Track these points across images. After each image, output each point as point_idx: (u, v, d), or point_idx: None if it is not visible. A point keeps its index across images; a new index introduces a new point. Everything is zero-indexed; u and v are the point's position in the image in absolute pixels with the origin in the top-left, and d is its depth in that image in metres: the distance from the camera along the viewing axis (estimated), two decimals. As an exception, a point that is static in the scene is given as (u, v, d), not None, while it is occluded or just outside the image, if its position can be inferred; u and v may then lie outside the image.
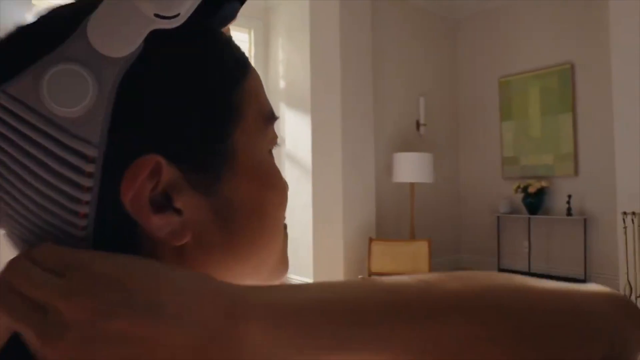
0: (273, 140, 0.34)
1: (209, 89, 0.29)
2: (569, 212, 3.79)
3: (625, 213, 2.80)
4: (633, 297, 2.72)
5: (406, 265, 2.96)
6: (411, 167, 3.77)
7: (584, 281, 3.71)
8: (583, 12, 3.83)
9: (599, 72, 3.64)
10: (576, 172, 3.85)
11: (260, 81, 0.33)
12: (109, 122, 0.25)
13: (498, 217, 4.49)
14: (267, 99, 0.33)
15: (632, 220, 2.75)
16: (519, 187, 4.16)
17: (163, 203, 0.27)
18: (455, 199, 5.00)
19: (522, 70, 4.33)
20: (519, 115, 4.38)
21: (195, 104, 0.28)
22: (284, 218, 0.35)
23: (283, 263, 0.36)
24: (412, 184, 3.91)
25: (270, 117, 0.33)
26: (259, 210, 0.32)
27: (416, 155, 3.80)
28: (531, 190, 4.03)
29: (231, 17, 0.32)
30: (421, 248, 2.99)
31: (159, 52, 0.27)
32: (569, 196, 3.80)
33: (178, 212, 0.28)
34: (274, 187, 0.33)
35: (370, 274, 3.03)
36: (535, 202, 4.04)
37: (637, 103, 2.84)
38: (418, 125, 4.66)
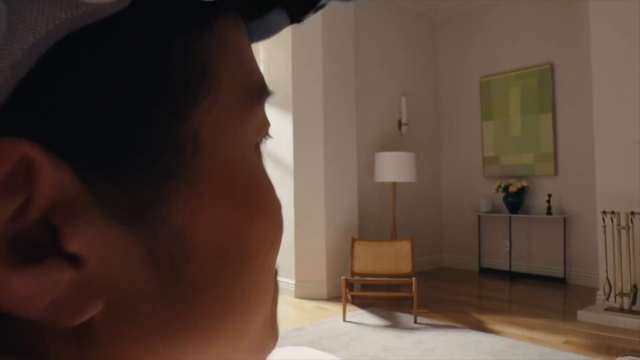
0: (262, 128, 0.21)
1: (153, 24, 0.16)
2: (549, 211, 3.83)
3: (604, 212, 2.83)
4: (612, 295, 2.76)
5: (389, 265, 2.94)
6: (393, 167, 3.74)
7: (564, 279, 3.75)
8: (562, 13, 3.88)
9: (579, 72, 3.69)
10: (556, 171, 3.89)
11: (247, 38, 0.21)
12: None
13: (479, 216, 4.51)
14: (257, 66, 0.21)
15: (612, 219, 2.78)
16: (500, 186, 4.18)
17: (39, 245, 0.14)
18: (436, 199, 5.00)
19: (502, 71, 4.36)
20: (499, 115, 4.40)
21: (126, 50, 0.15)
22: (275, 261, 0.22)
23: (271, 332, 0.22)
24: (394, 184, 3.89)
25: (261, 91, 0.20)
26: (237, 251, 0.19)
27: (398, 154, 3.77)
28: (512, 189, 4.06)
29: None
30: (404, 248, 2.97)
31: None
32: (549, 195, 3.84)
33: (73, 261, 0.14)
34: (262, 210, 0.20)
35: (353, 274, 2.99)
36: (515, 201, 4.06)
37: (617, 103, 2.88)
38: (400, 124, 4.65)
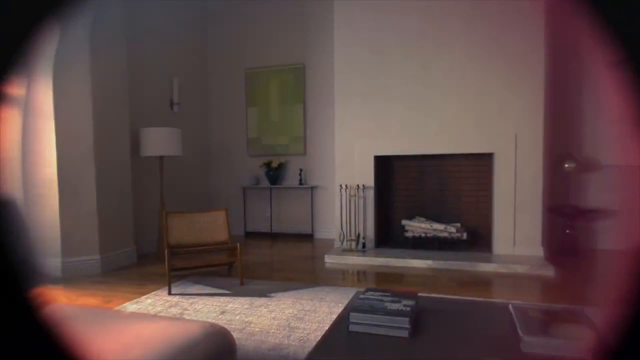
0: None
1: None
2: (300, 183, 4.91)
3: (341, 185, 4.00)
4: (345, 241, 3.99)
5: (206, 235, 3.18)
6: (159, 142, 3.97)
7: (311, 235, 4.98)
8: (313, 21, 4.88)
9: (324, 72, 4.84)
10: (305, 151, 4.99)
11: None
12: None
13: (244, 188, 5.25)
14: None
15: (345, 190, 3.99)
16: (264, 163, 4.98)
17: None
18: (206, 172, 5.42)
19: (264, 65, 5.09)
20: (261, 103, 5.15)
21: None
22: None
23: None
24: (161, 158, 4.13)
25: None
26: None
27: (164, 130, 4.02)
28: (274, 165, 4.93)
29: None
30: (219, 217, 3.25)
31: None
32: (301, 170, 4.92)
33: None
34: None
35: (169, 246, 3.07)
36: (275, 175, 4.97)
37: (353, 98, 4.03)
38: (172, 103, 4.75)
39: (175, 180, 4.86)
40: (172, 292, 2.89)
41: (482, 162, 3.95)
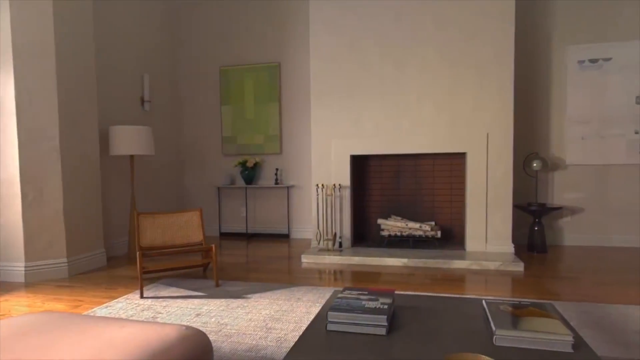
0: None
1: None
2: (276, 182, 4.88)
3: (317, 185, 4.00)
4: (322, 241, 3.99)
5: (180, 236, 3.10)
6: (130, 140, 3.86)
7: (288, 235, 4.95)
8: (289, 19, 4.86)
9: (300, 70, 4.83)
10: (281, 150, 4.96)
11: None
12: None
13: (219, 188, 5.17)
14: None
15: (322, 189, 3.98)
16: (239, 162, 4.92)
17: None
18: (179, 172, 5.31)
19: (239, 63, 5.03)
20: (236, 101, 5.09)
21: None
22: None
23: None
24: (132, 156, 4.03)
25: None
26: None
27: (134, 128, 3.90)
28: (249, 164, 4.88)
29: None
30: (193, 217, 3.18)
31: None
32: (277, 169, 4.89)
33: None
34: None
35: (141, 249, 2.98)
36: (251, 174, 4.92)
37: (329, 97, 4.03)
38: (143, 101, 4.63)
39: (146, 180, 4.74)
40: (145, 296, 2.81)
41: (455, 162, 4.04)
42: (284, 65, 4.90)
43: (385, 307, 1.43)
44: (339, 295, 1.55)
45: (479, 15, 3.66)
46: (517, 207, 4.02)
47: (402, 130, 3.86)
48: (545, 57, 4.24)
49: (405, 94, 3.84)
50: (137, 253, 2.79)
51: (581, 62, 4.15)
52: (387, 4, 3.83)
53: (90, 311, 2.55)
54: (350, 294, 1.56)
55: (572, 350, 1.21)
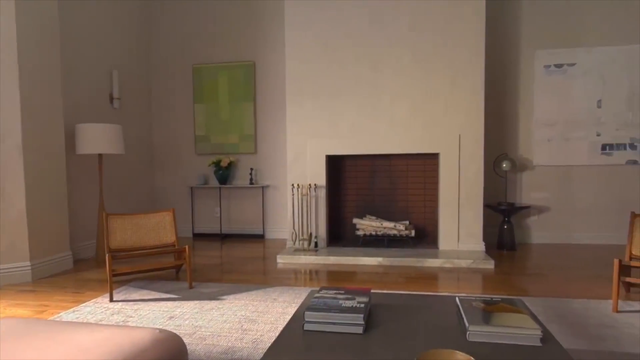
0: None
1: None
2: (251, 182, 4.83)
3: (292, 185, 3.98)
4: (297, 241, 3.98)
5: (151, 237, 3.01)
6: (98, 139, 3.74)
7: (262, 235, 4.91)
8: (264, 18, 4.82)
9: (275, 69, 4.80)
10: (256, 150, 4.91)
11: None
12: None
13: (192, 188, 5.07)
14: None
15: (297, 189, 3.97)
16: (213, 162, 4.84)
17: None
18: (151, 172, 5.18)
19: (213, 61, 4.95)
20: (210, 100, 5.01)
21: None
22: None
23: None
24: (100, 155, 3.91)
25: None
26: None
27: (103, 126, 3.78)
28: (223, 164, 4.81)
29: None
30: (166, 218, 3.09)
31: None
32: (251, 169, 4.84)
33: None
34: None
35: (110, 250, 2.88)
36: (225, 174, 4.85)
37: (305, 97, 4.02)
38: (112, 98, 4.49)
39: (116, 180, 4.60)
40: (114, 299, 2.73)
41: (429, 162, 4.11)
42: (259, 64, 4.86)
43: (362, 305, 1.44)
44: (316, 294, 1.55)
45: (451, 19, 3.74)
46: (487, 206, 4.14)
47: (377, 130, 3.90)
48: (514, 62, 4.38)
49: (381, 95, 3.89)
50: (107, 255, 2.69)
51: (547, 66, 4.32)
52: (362, 6, 3.86)
53: (56, 316, 2.45)
54: (327, 293, 1.57)
55: (540, 344, 1.26)
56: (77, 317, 2.42)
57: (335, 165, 4.28)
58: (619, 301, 2.53)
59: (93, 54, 4.24)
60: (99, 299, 2.73)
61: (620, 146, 4.24)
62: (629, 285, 2.65)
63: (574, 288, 2.87)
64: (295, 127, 4.04)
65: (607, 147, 4.26)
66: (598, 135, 4.27)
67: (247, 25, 4.86)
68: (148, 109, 5.14)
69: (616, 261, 2.37)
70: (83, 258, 4.02)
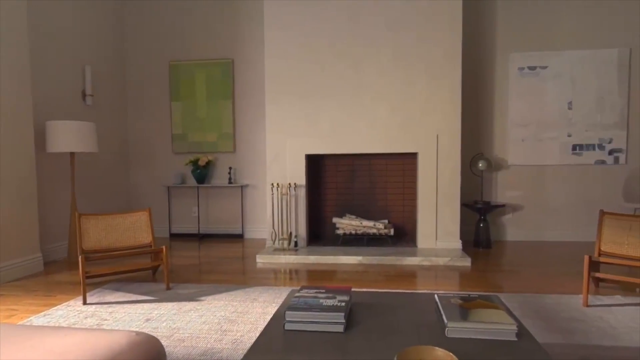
0: None
1: None
2: (230, 181, 4.77)
3: (272, 184, 3.96)
4: (277, 240, 3.96)
5: (126, 237, 2.92)
6: (70, 137, 3.63)
7: (242, 235, 4.87)
8: (243, 15, 4.76)
9: (254, 67, 4.75)
10: (234, 149, 4.86)
11: None
12: None
13: (168, 187, 4.98)
14: None
15: (277, 188, 3.95)
16: (191, 161, 4.76)
17: None
18: (126, 171, 5.05)
19: (190, 58, 4.87)
20: (187, 97, 4.92)
21: None
22: None
23: None
24: (72, 154, 3.79)
25: None
26: None
27: (75, 123, 3.67)
28: (201, 163, 4.74)
29: None
30: (142, 218, 3.01)
31: None
32: (230, 168, 4.78)
33: None
34: None
35: (84, 251, 2.78)
36: (203, 173, 4.78)
37: (285, 96, 4.00)
38: (84, 95, 4.36)
39: (89, 180, 4.46)
40: (88, 302, 2.65)
41: (407, 161, 4.16)
42: (237, 62, 4.80)
43: (343, 304, 1.44)
44: (297, 294, 1.55)
45: (429, 20, 3.79)
46: (464, 205, 4.22)
47: (357, 130, 3.92)
48: (490, 64, 4.48)
49: (360, 95, 3.91)
50: (79, 257, 2.61)
51: (521, 69, 4.44)
52: (341, 5, 3.87)
53: (25, 320, 2.36)
54: (307, 292, 1.56)
55: (516, 339, 1.29)
56: (49, 321, 2.33)
57: (315, 164, 4.28)
58: (589, 296, 2.62)
59: (64, 48, 4.10)
60: (72, 302, 2.65)
61: (590, 146, 4.40)
62: (598, 281, 2.75)
63: (547, 284, 2.96)
64: (275, 126, 4.01)
65: (577, 148, 4.41)
66: (569, 136, 4.42)
67: (226, 22, 4.80)
68: (123, 107, 5.01)
69: (586, 257, 2.45)
70: (54, 260, 3.88)
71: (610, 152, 4.37)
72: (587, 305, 2.46)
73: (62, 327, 1.22)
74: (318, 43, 3.93)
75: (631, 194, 4.23)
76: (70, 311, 2.49)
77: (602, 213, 2.66)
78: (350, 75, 3.91)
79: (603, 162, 4.38)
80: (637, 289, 2.76)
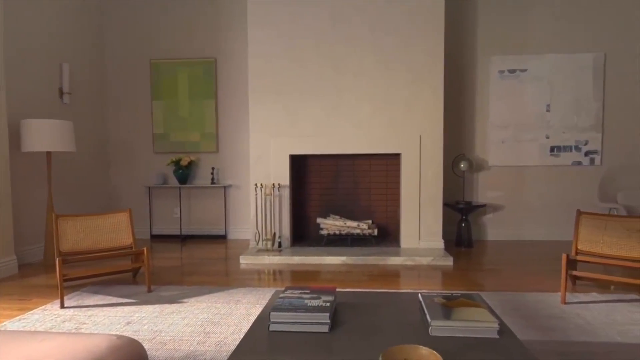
0: None
1: None
2: (213, 182, 4.72)
3: (256, 184, 3.93)
4: (261, 241, 3.93)
5: (106, 239, 2.85)
6: (47, 136, 3.54)
7: (225, 235, 4.82)
8: (226, 14, 4.72)
9: (237, 66, 4.71)
10: (217, 149, 4.81)
11: None
12: None
13: (149, 187, 4.89)
14: None
15: (260, 189, 3.92)
16: (173, 161, 4.69)
17: None
18: (105, 171, 4.94)
19: (172, 57, 4.80)
20: (169, 96, 4.85)
21: None
22: None
23: None
24: (48, 153, 3.70)
25: None
26: None
27: (52, 122, 3.58)
28: (183, 163, 4.67)
29: None
30: (122, 219, 2.94)
31: None
32: (213, 168, 4.73)
33: None
34: None
35: (61, 254, 2.70)
36: (185, 173, 4.71)
37: (268, 96, 3.98)
38: (62, 93, 4.25)
39: (67, 180, 4.35)
40: (66, 305, 2.57)
41: (391, 162, 4.19)
42: (220, 61, 4.76)
43: (328, 304, 1.44)
44: (281, 294, 1.54)
45: (412, 22, 3.83)
46: (446, 205, 4.28)
47: (341, 130, 3.93)
48: (471, 66, 4.56)
49: (344, 95, 3.92)
50: (56, 259, 2.54)
51: (501, 71, 4.53)
52: (325, 6, 3.88)
53: (0, 325, 2.28)
54: (292, 293, 1.55)
55: (497, 336, 1.31)
56: (24, 326, 2.26)
57: (299, 164, 4.27)
58: (567, 293, 2.69)
59: (40, 45, 3.99)
60: (48, 306, 2.57)
61: (567, 148, 4.52)
62: (575, 279, 2.82)
63: (526, 282, 3.03)
64: (259, 126, 3.99)
65: (555, 149, 4.53)
66: (547, 137, 4.53)
67: (208, 21, 4.75)
68: (102, 105, 4.90)
69: (564, 256, 2.52)
70: (29, 263, 3.77)
71: (586, 154, 4.50)
72: (565, 303, 2.53)
73: (39, 332, 1.18)
74: (302, 43, 3.92)
75: (606, 194, 4.36)
76: (46, 315, 2.41)
77: (579, 213, 2.73)
78: (333, 75, 3.91)
79: (579, 163, 4.50)
80: (612, 287, 2.84)
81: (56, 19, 4.18)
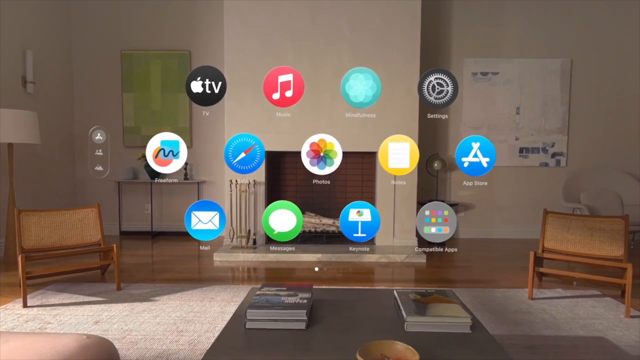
0: None
1: None
2: (186, 177, 4.62)
3: (230, 181, 3.88)
4: (235, 238, 3.88)
5: (73, 235, 2.74)
6: (9, 126, 3.38)
7: (198, 232, 4.72)
8: (201, 7, 4.61)
9: (212, 60, 4.60)
10: (191, 144, 4.70)
11: None
12: None
13: (119, 182, 4.74)
14: None
15: (235, 185, 3.87)
16: (143, 155, 4.55)
17: None
18: (72, 164, 4.76)
19: (144, 48, 4.65)
20: (140, 89, 4.70)
21: None
22: None
23: None
24: (10, 145, 3.54)
25: None
26: None
27: (14, 112, 3.42)
28: (155, 159, 4.54)
29: None
30: (90, 215, 2.83)
31: None
32: (186, 163, 4.63)
33: None
34: None
35: (24, 250, 2.57)
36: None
37: (244, 92, 3.92)
38: (25, 82, 4.05)
39: (30, 173, 4.15)
40: (29, 304, 2.46)
41: (366, 160, 4.22)
42: (195, 54, 4.66)
43: (305, 301, 1.43)
44: (258, 292, 1.52)
45: (388, 22, 3.86)
46: (420, 203, 4.35)
47: (318, 127, 3.92)
48: (446, 67, 4.64)
49: (321, 92, 3.91)
50: (19, 256, 2.42)
51: (474, 74, 4.64)
52: (303, 3, 3.86)
53: (-45, 326, 2.15)
54: (269, 290, 1.54)
55: (470, 331, 1.34)
56: (-17, 326, 2.15)
57: (275, 161, 4.23)
58: (534, 289, 2.79)
59: (1, 30, 3.78)
60: (10, 305, 2.45)
61: (535, 150, 4.68)
62: (541, 275, 2.93)
63: (496, 278, 3.12)
64: (234, 121, 3.93)
65: (524, 150, 4.68)
66: (517, 139, 4.67)
67: (183, 12, 4.63)
68: (69, 96, 4.70)
69: (531, 253, 2.61)
70: (-11, 260, 3.58)
71: (553, 155, 4.68)
72: (532, 299, 2.62)
73: (1, 332, 1.12)
74: (278, 39, 3.89)
75: (570, 194, 4.55)
76: (8, 315, 2.30)
77: (546, 212, 2.83)
78: (310, 72, 3.90)
79: (546, 164, 4.68)
80: (575, 282, 2.97)
81: (18, 2, 3.97)
